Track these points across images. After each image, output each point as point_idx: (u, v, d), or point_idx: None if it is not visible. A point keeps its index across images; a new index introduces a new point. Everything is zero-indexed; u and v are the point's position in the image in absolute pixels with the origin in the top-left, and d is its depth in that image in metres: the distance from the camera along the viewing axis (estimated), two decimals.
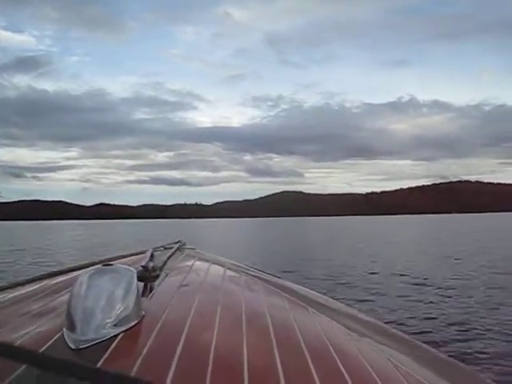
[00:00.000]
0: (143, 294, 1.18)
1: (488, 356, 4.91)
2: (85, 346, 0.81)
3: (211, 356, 0.81)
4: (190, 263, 1.77)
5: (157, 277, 1.37)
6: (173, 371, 0.73)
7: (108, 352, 0.79)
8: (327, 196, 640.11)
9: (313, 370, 0.82)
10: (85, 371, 0.27)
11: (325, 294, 2.12)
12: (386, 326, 1.75)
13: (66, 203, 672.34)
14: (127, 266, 1.04)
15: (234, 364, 0.80)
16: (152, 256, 1.49)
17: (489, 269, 12.24)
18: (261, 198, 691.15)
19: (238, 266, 1.92)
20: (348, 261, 15.02)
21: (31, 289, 1.38)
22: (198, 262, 1.82)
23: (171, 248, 2.07)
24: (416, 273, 11.65)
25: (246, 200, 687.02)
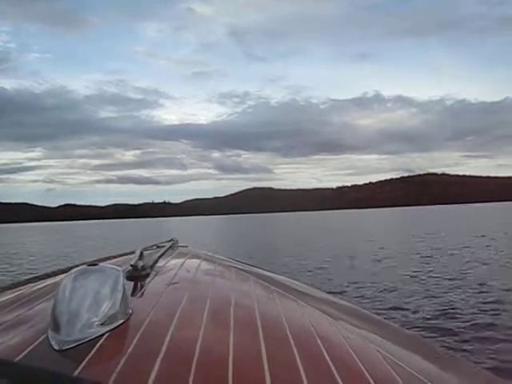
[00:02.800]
0: (132, 293, 1.18)
1: (473, 340, 5.12)
2: (69, 346, 0.80)
3: (196, 351, 0.81)
4: (181, 261, 1.77)
5: (147, 275, 1.37)
6: (157, 368, 0.73)
7: (93, 351, 0.79)
8: (297, 191, 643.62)
9: (298, 360, 0.83)
10: (60, 380, 0.26)
11: (311, 285, 2.13)
12: (370, 313, 1.76)
13: (30, 205, 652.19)
14: (113, 266, 1.03)
15: (219, 358, 0.80)
16: (141, 255, 1.49)
17: (466, 257, 12.55)
18: (231, 194, 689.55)
19: (230, 262, 1.92)
20: (325, 254, 15.01)
21: (14, 294, 1.36)
22: (189, 260, 1.82)
23: (163, 247, 2.07)
24: (396, 263, 12.00)
25: (216, 197, 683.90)
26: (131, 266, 1.36)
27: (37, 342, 0.84)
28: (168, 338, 0.86)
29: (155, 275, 1.42)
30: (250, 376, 0.76)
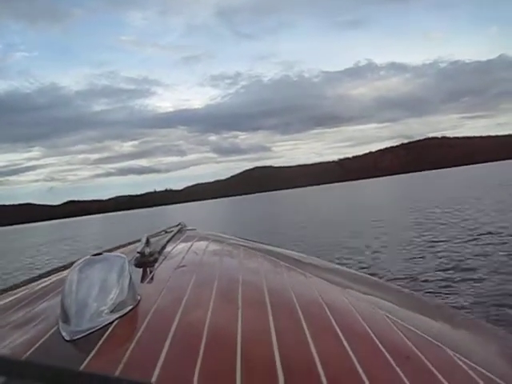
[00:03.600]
0: (141, 280, 1.20)
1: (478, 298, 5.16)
2: (80, 336, 0.81)
3: (205, 333, 0.82)
4: (189, 244, 1.78)
5: (155, 261, 1.39)
6: (166, 352, 0.75)
7: (103, 339, 0.80)
8: (298, 167, 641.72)
9: (307, 332, 0.83)
10: (69, 376, 0.27)
11: (319, 256, 2.16)
12: (377, 279, 1.74)
13: (34, 205, 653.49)
14: (117, 253, 1.05)
15: (227, 338, 0.81)
16: (148, 241, 1.49)
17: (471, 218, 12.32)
18: (232, 176, 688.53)
19: (238, 241, 1.94)
20: (336, 228, 14.70)
21: (24, 292, 1.38)
22: (197, 242, 1.83)
23: (171, 231, 2.09)
24: (401, 229, 11.88)
25: (217, 180, 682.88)
26: (138, 252, 1.38)
27: (48, 335, 0.86)
28: (176, 321, 0.87)
29: (163, 260, 1.44)
30: (259, 353, 0.76)
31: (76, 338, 0.81)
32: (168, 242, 1.75)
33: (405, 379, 0.69)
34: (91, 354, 0.74)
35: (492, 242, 8.17)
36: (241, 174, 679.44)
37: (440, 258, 7.45)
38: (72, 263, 1.03)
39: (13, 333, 0.92)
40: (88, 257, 0.97)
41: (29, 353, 0.78)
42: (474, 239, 8.73)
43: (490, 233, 9.18)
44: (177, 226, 2.31)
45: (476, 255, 7.26)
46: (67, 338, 0.81)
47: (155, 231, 2.20)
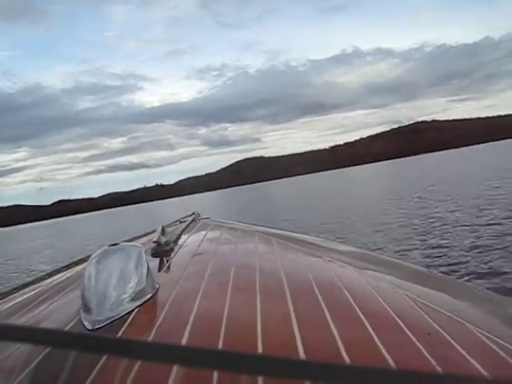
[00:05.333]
0: (158, 269, 1.22)
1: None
2: (102, 325, 0.83)
3: (224, 319, 0.82)
4: (203, 232, 1.79)
5: (171, 250, 1.42)
6: (187, 338, 0.75)
7: (124, 327, 0.81)
8: (289, 156, 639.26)
9: (327, 315, 0.82)
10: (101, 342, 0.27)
11: (334, 239, 2.09)
12: (394, 259, 1.77)
13: (23, 206, 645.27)
14: (133, 243, 1.07)
15: (247, 323, 0.81)
16: (163, 231, 1.51)
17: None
18: (223, 168, 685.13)
19: (252, 228, 1.95)
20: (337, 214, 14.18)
21: (42, 287, 1.39)
22: (212, 231, 1.84)
23: (185, 221, 2.11)
24: (413, 210, 11.75)
25: (208, 173, 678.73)
26: (154, 242, 1.41)
27: (70, 325, 0.87)
28: (195, 309, 0.88)
29: (179, 249, 1.46)
30: (280, 337, 0.75)
31: (98, 327, 0.82)
32: (183, 231, 1.77)
33: (428, 356, 0.69)
34: (102, 359, 0.73)
35: (501, 217, 8.19)
36: (232, 165, 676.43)
37: (452, 234, 7.44)
38: (89, 256, 1.05)
39: (35, 325, 0.94)
40: (105, 247, 0.98)
41: (36, 361, 0.77)
42: (484, 216, 8.66)
43: (499, 208, 9.23)
44: (190, 215, 2.31)
45: (486, 229, 7.28)
46: (89, 328, 0.83)
47: (169, 221, 2.20)
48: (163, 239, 1.42)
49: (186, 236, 1.71)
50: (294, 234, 1.92)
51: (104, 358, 0.73)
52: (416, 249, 6.81)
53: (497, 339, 0.78)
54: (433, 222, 9.03)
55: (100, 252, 0.96)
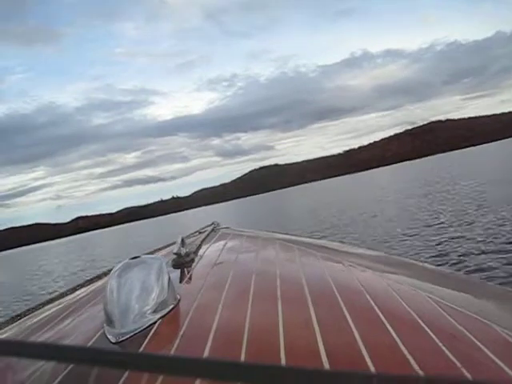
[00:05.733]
0: (180, 280, 1.23)
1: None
2: (125, 337, 0.83)
3: (246, 327, 0.82)
4: (223, 242, 1.78)
5: (192, 261, 1.42)
6: (209, 347, 0.75)
7: (147, 339, 0.82)
8: (304, 163, 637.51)
9: (350, 320, 0.81)
10: (123, 358, 0.27)
11: (355, 244, 2.09)
12: (414, 261, 1.74)
13: (42, 224, 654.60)
14: (154, 255, 1.11)
15: (269, 331, 0.80)
16: (183, 242, 1.52)
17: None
18: (238, 178, 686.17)
19: (272, 236, 1.94)
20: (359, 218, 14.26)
21: (65, 302, 1.42)
22: (231, 240, 1.84)
23: (205, 231, 2.10)
24: (420, 216, 11.39)
25: (223, 184, 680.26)
26: (174, 254, 1.41)
27: (94, 338, 0.88)
28: (217, 319, 0.88)
29: (199, 259, 1.46)
30: (303, 345, 0.74)
31: (122, 339, 0.83)
32: (203, 241, 1.77)
33: (454, 359, 0.67)
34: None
35: None
36: (246, 174, 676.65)
37: (474, 234, 7.31)
38: (110, 269, 1.06)
39: (60, 340, 0.95)
40: (126, 260, 1.00)
41: (61, 375, 0.78)
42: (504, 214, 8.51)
43: None
44: (210, 225, 2.32)
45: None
46: (113, 341, 0.83)
47: (189, 232, 2.21)
48: (183, 250, 1.43)
49: (206, 246, 1.71)
50: (315, 240, 1.89)
51: (127, 373, 0.73)
52: (438, 250, 6.72)
53: None
54: (452, 223, 8.96)
55: (121, 265, 0.97)
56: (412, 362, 0.66)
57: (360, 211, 15.82)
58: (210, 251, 1.61)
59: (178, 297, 1.02)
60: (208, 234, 1.97)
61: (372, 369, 0.65)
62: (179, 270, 1.33)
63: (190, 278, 1.25)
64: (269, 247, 1.63)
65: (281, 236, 1.93)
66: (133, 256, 1.03)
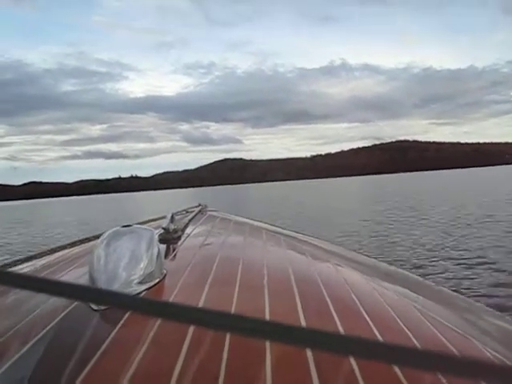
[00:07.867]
0: (166, 256, 1.20)
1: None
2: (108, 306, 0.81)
3: (231, 310, 0.81)
4: (211, 224, 1.78)
5: (178, 238, 1.40)
6: (192, 328, 0.72)
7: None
8: (270, 161, 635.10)
9: (336, 318, 0.81)
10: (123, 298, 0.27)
11: (341, 244, 2.18)
12: (403, 271, 1.79)
13: None
14: (145, 227, 1.05)
15: (255, 315, 0.78)
16: (173, 218, 1.50)
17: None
18: (201, 166, 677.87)
19: (260, 225, 1.94)
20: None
21: (49, 260, 1.36)
22: (219, 223, 1.83)
23: (193, 211, 2.09)
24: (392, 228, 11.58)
25: (186, 170, 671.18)
26: (163, 228, 1.39)
27: (75, 303, 0.83)
28: (203, 298, 0.86)
29: (187, 238, 1.44)
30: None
31: (104, 307, 0.78)
32: (190, 221, 1.74)
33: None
34: (119, 324, 0.73)
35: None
36: (211, 164, 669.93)
37: (463, 251, 7.50)
38: (98, 235, 1.05)
39: (39, 300, 0.90)
40: (117, 228, 0.97)
41: (56, 320, 0.77)
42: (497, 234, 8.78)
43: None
44: (197, 206, 2.32)
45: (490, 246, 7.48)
46: (95, 308, 0.79)
47: (177, 210, 2.19)
48: (172, 226, 1.41)
49: (194, 226, 1.70)
50: (301, 235, 1.91)
51: (127, 315, 0.74)
52: (422, 262, 6.81)
53: (497, 354, 0.79)
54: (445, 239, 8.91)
55: (111, 232, 0.94)
56: (396, 368, 0.67)
57: (315, 216, 16.19)
58: (198, 231, 1.61)
59: (165, 271, 0.99)
60: (195, 215, 1.95)
61: (356, 370, 0.65)
62: (166, 246, 1.31)
63: (176, 255, 1.24)
64: (256, 235, 1.64)
65: (267, 226, 1.95)
66: (124, 224, 1.00)
